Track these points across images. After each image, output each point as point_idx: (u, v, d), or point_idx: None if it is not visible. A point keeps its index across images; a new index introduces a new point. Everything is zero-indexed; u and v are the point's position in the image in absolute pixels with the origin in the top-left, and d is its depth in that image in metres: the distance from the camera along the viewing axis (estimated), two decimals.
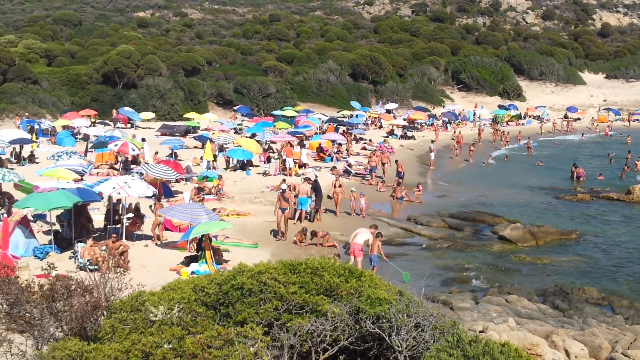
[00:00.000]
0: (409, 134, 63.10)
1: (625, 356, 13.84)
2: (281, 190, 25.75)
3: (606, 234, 28.47)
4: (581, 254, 25.17)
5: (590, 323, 17.06)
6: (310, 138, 50.43)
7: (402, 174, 36.40)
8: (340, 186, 29.35)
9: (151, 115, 63.59)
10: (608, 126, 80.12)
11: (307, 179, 30.21)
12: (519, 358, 6.39)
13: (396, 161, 38.45)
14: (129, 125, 59.85)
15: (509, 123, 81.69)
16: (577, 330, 16.24)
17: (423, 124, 70.99)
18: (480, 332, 14.36)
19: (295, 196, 28.35)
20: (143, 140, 43.34)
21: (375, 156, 41.24)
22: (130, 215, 23.36)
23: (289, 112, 69.41)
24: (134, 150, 37.94)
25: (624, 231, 29.20)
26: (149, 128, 59.73)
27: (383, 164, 39.92)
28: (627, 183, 40.47)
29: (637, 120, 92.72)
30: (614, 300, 19.53)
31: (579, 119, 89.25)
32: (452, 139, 60.87)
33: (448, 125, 73.57)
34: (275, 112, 69.92)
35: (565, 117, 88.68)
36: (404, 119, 71.18)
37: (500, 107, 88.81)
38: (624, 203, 35.60)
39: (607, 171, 46.36)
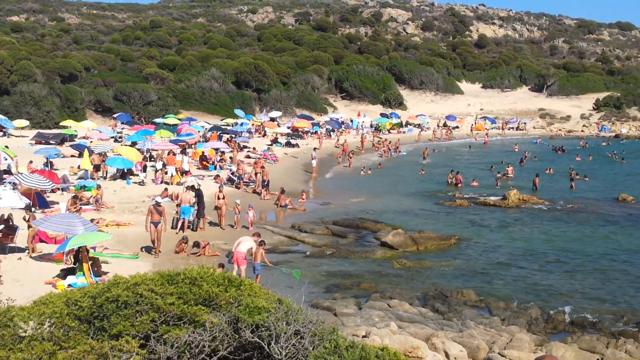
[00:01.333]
0: (293, 142, 63.31)
1: (501, 356, 14.23)
2: (154, 202, 24.60)
3: (484, 239, 29.34)
4: (460, 258, 25.83)
5: (468, 325, 17.48)
6: (193, 146, 49.81)
7: (266, 182, 36.52)
8: (223, 197, 28.78)
9: (25, 123, 61.16)
10: (486, 134, 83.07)
11: (189, 188, 29.72)
12: None
13: (262, 168, 38.57)
14: (0, 134, 57.35)
15: (391, 131, 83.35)
16: (456, 332, 16.61)
17: (307, 132, 71.44)
18: (364, 337, 14.45)
19: (178, 205, 27.85)
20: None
21: (249, 165, 41.28)
22: (1, 227, 22.23)
23: (171, 120, 68.37)
24: (6, 159, 36.28)
25: (501, 235, 30.18)
26: (22, 136, 57.43)
27: (256, 174, 39.30)
28: (503, 189, 42.09)
29: (512, 128, 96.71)
30: (491, 303, 20.10)
31: (457, 127, 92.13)
32: (336, 147, 61.56)
33: (332, 133, 74.32)
34: (157, 120, 68.68)
35: (445, 125, 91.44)
36: (288, 127, 71.46)
37: (382, 115, 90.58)
38: (501, 208, 36.88)
39: (484, 179, 47.88)
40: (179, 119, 69.90)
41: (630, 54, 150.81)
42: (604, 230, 31.39)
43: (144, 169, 38.92)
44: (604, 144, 78.53)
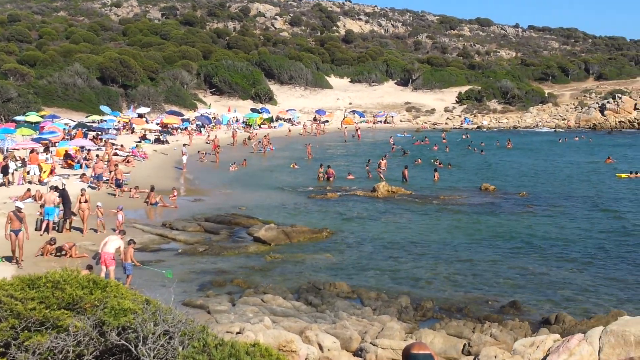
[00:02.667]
0: (163, 138, 62.18)
1: (373, 345, 14.45)
2: (15, 208, 22.57)
3: (355, 230, 29.77)
4: (332, 250, 26.09)
5: (341, 316, 17.68)
6: (57, 145, 47.97)
7: (120, 181, 35.67)
8: (86, 201, 27.24)
9: None
10: (358, 128, 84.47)
11: (54, 188, 28.51)
12: (269, 356, 6.34)
13: (116, 166, 37.77)
14: None
15: (262, 126, 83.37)
16: (329, 324, 16.75)
17: (177, 128, 70.35)
18: (238, 333, 14.31)
19: (42, 206, 26.68)
20: None
21: (101, 162, 40.08)
22: None
23: (32, 117, 65.47)
24: None
25: (371, 227, 30.72)
26: None
27: (110, 172, 38.09)
28: (374, 181, 42.97)
29: (380, 121, 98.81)
30: (362, 293, 20.42)
31: (327, 121, 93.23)
32: (207, 142, 60.96)
33: (202, 129, 73.53)
34: (18, 118, 65.63)
35: (315, 119, 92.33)
36: (157, 124, 70.12)
37: (252, 110, 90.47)
38: (370, 200, 37.60)
39: (360, 172, 48.70)
40: (41, 117, 67.07)
41: (489, 49, 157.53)
42: (469, 219, 32.53)
43: (4, 170, 36.80)
44: (463, 136, 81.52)
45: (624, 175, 47.19)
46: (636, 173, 47.04)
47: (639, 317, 11.37)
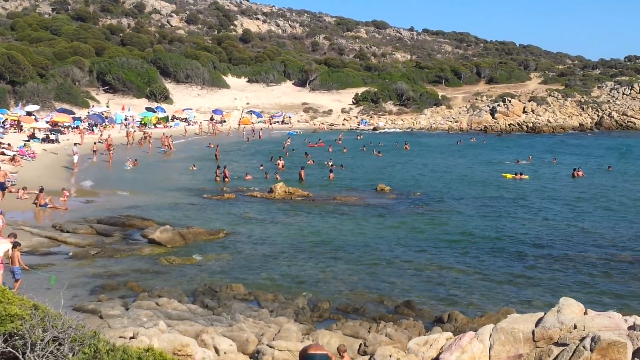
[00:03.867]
0: (53, 137, 60.18)
1: (270, 347, 14.39)
2: None
3: (252, 231, 29.63)
4: (229, 251, 25.88)
5: (238, 319, 17.53)
6: None
7: (3, 185, 34.00)
8: None
9: None
10: (253, 130, 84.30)
11: None
12: None
13: None
14: None
15: (157, 125, 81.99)
16: (226, 327, 16.59)
17: (68, 127, 68.26)
18: (131, 338, 13.96)
19: None
20: None
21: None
22: None
23: None
24: None
25: (268, 228, 30.65)
26: None
27: None
28: (272, 182, 42.97)
29: (277, 122, 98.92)
30: (259, 295, 20.33)
31: (224, 121, 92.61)
32: (100, 142, 59.41)
33: (94, 127, 71.64)
34: None
35: (211, 119, 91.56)
36: (47, 122, 67.83)
37: (147, 109, 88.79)
38: (267, 201, 37.54)
39: (259, 173, 48.56)
40: None
41: (385, 51, 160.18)
42: (365, 220, 32.93)
43: None
44: (358, 137, 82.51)
45: (509, 176, 49.05)
46: (521, 174, 49.00)
47: (528, 315, 11.72)
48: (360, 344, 15.63)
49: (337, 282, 22.10)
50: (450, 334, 12.30)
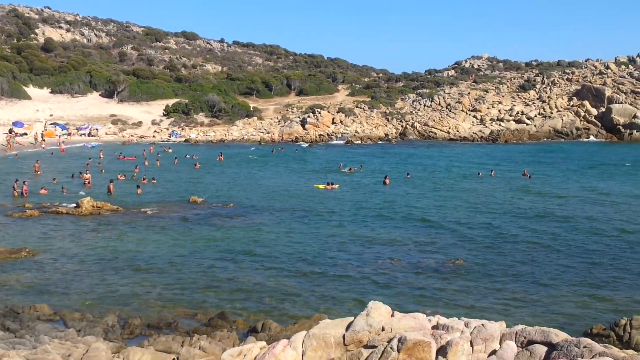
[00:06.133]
0: None
1: None
2: None
3: (58, 249, 28.25)
4: (33, 271, 24.51)
5: (42, 340, 16.57)
6: None
7: None
8: None
9: None
10: (63, 142, 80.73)
11: None
12: None
13: None
14: None
15: None
16: (29, 350, 15.60)
17: None
18: None
19: None
20: None
21: None
22: None
23: None
24: None
25: (75, 245, 29.36)
26: None
27: None
28: (74, 197, 41.24)
29: (84, 134, 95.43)
30: (65, 315, 19.37)
31: (25, 133, 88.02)
32: None
33: None
34: None
35: (11, 131, 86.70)
36: None
37: None
38: (74, 217, 35.96)
39: (70, 186, 46.35)
40: None
41: (196, 62, 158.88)
42: (177, 232, 32.41)
43: None
44: (169, 150, 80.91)
45: (321, 186, 50.18)
46: (332, 185, 50.29)
47: (338, 320, 11.93)
48: (174, 359, 15.27)
49: (149, 297, 21.54)
50: (264, 343, 12.27)
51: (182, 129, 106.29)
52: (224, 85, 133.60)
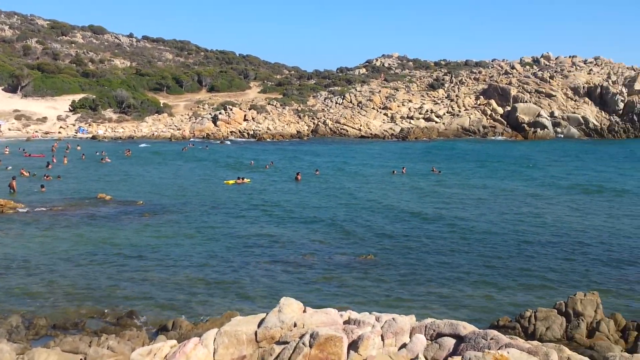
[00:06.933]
0: None
1: None
2: None
3: None
4: None
5: None
6: None
7: None
8: None
9: None
10: None
11: None
12: None
13: None
14: None
15: None
16: None
17: None
18: None
19: None
20: None
21: None
22: None
23: None
24: None
25: None
26: None
27: None
28: None
29: None
30: None
31: None
32: None
33: None
34: None
35: None
36: None
37: None
38: None
39: None
40: None
41: (103, 57, 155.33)
42: (85, 230, 31.55)
43: None
44: (77, 147, 78.57)
45: (231, 182, 49.90)
46: (242, 179, 50.12)
47: (250, 317, 11.84)
48: (81, 359, 14.84)
49: (55, 297, 20.88)
50: (174, 342, 12.05)
51: (90, 125, 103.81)
52: (132, 81, 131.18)
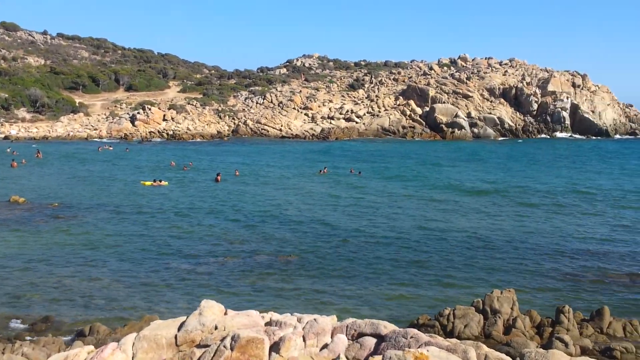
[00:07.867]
0: None
1: None
2: None
3: None
4: None
5: None
6: None
7: None
8: None
9: None
10: None
11: None
12: None
13: None
14: None
15: None
16: None
17: None
18: None
19: None
20: None
21: None
22: None
23: None
24: None
25: None
26: None
27: None
28: None
29: None
30: None
31: None
32: None
33: None
34: None
35: None
36: None
37: None
38: None
39: None
40: None
41: (16, 54, 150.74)
42: (4, 233, 30.61)
43: None
44: None
45: (148, 183, 49.19)
46: (160, 181, 49.45)
47: (170, 320, 11.64)
48: None
49: None
50: (92, 347, 11.75)
51: (2, 124, 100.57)
52: (47, 80, 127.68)
